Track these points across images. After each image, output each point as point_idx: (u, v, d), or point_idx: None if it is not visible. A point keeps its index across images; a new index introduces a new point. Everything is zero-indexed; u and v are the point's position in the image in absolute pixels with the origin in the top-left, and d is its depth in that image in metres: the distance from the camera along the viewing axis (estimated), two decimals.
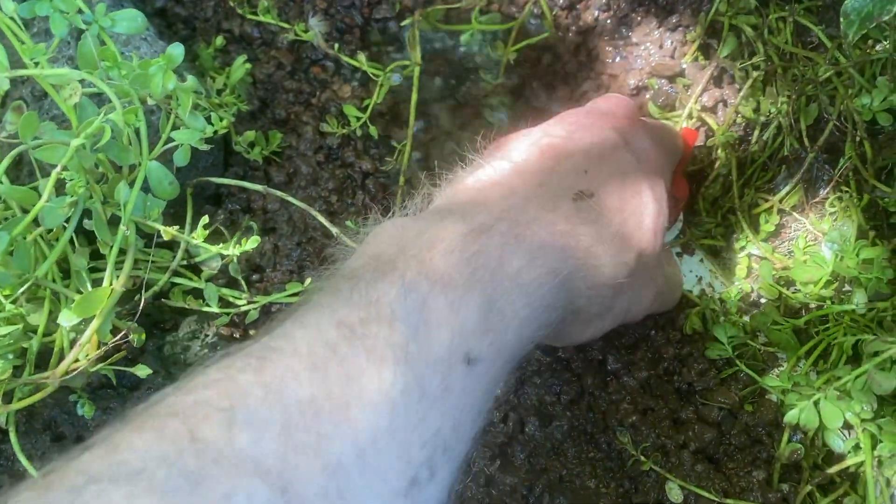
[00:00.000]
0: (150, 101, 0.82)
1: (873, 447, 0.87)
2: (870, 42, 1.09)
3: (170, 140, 0.85)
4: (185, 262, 1.02)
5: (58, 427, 0.91)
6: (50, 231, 0.82)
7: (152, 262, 0.95)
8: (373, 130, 1.19)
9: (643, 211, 0.81)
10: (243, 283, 1.02)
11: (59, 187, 0.78)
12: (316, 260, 1.10)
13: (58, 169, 0.73)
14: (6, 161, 0.74)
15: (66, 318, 0.77)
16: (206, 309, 1.00)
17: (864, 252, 0.92)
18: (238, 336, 1.04)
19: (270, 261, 1.09)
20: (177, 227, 0.87)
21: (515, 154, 0.84)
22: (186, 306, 1.01)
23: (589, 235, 0.75)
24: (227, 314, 1.01)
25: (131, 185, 0.81)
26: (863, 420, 0.87)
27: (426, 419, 0.57)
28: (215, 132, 0.88)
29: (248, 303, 1.02)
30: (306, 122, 1.19)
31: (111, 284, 0.79)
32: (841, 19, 0.78)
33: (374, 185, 1.17)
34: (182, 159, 0.87)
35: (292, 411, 0.51)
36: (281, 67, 1.23)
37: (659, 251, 0.86)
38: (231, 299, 1.02)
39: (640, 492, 0.96)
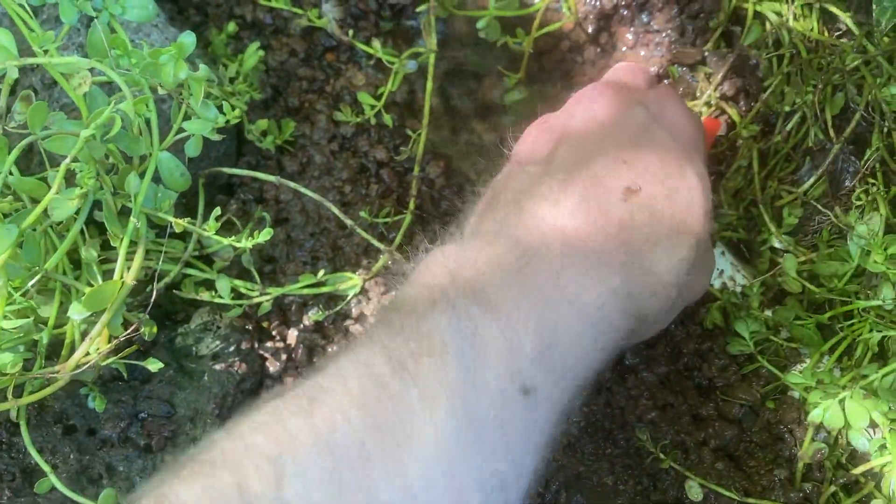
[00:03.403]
0: (160, 91, 0.80)
1: None
2: None
3: (181, 130, 0.83)
4: (196, 253, 1.00)
5: (69, 419, 0.90)
6: (59, 223, 0.81)
7: (164, 252, 0.93)
8: (387, 119, 1.17)
9: (692, 195, 0.74)
10: (256, 274, 1.01)
11: (69, 178, 0.76)
12: (330, 251, 1.08)
13: (67, 160, 0.71)
14: (15, 152, 0.72)
15: (77, 312, 0.76)
16: (218, 300, 0.99)
17: (893, 247, 0.90)
18: (251, 328, 1.02)
19: (283, 251, 1.08)
20: (188, 218, 0.86)
21: (543, 151, 0.80)
22: (198, 297, 0.99)
23: (646, 240, 0.69)
24: (240, 306, 1.00)
25: (142, 176, 0.79)
26: (890, 420, 0.84)
27: (481, 458, 0.54)
28: (227, 122, 0.86)
29: (261, 294, 1.00)
30: (320, 110, 1.17)
31: (122, 277, 0.78)
32: (874, 6, 0.75)
33: (389, 175, 1.15)
34: (194, 150, 0.85)
35: (342, 457, 0.49)
36: (294, 54, 1.21)
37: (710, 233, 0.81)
38: (244, 290, 1.00)
39: (658, 489, 0.94)
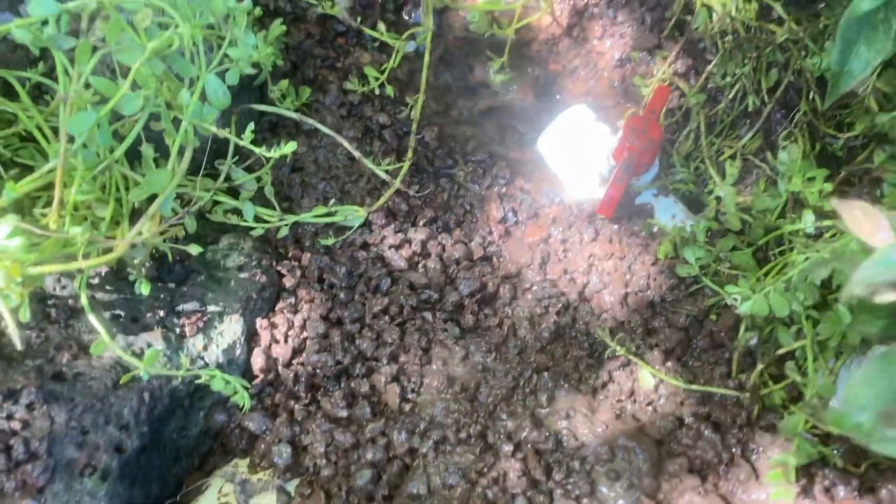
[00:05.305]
0: (210, 20, 0.99)
1: (814, 332, 1.02)
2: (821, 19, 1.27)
3: (222, 63, 1.02)
4: (225, 187, 1.17)
5: (115, 309, 1.06)
6: (122, 129, 0.99)
7: (198, 181, 1.10)
8: (389, 90, 1.36)
9: None
10: (276, 202, 1.18)
11: (133, 87, 0.94)
12: (339, 192, 1.25)
13: (136, 65, 0.89)
14: (96, 57, 0.90)
15: (136, 195, 0.93)
16: (243, 223, 1.16)
17: (809, 171, 1.08)
18: (270, 251, 1.19)
19: (298, 192, 1.25)
20: (219, 159, 1.03)
21: None
22: (227, 221, 1.16)
23: None
24: (262, 228, 1.17)
25: (192, 94, 0.97)
26: (806, 307, 1.01)
27: None
28: (258, 69, 1.04)
29: (280, 220, 1.17)
30: (332, 81, 1.36)
31: (174, 169, 0.95)
32: None
33: (390, 135, 1.33)
34: (233, 78, 1.03)
35: None
36: (310, 37, 1.40)
37: None
38: (265, 217, 1.17)
39: (615, 382, 1.10)
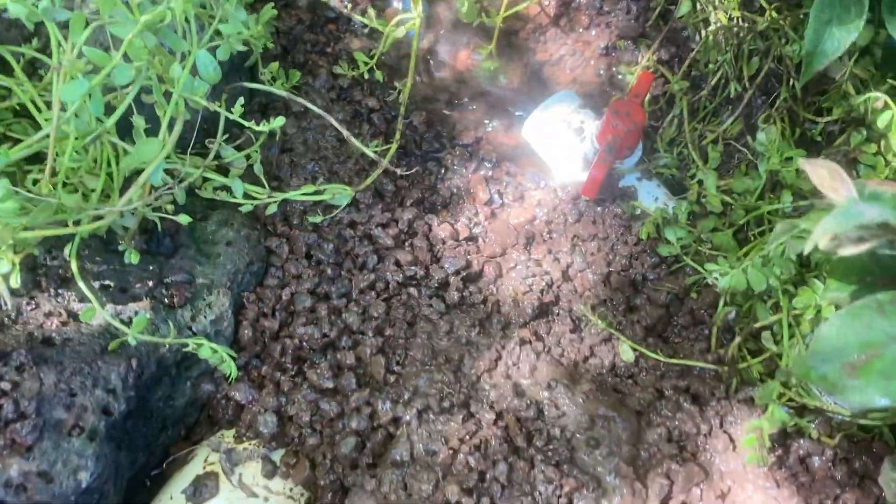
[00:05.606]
0: None
1: (790, 306, 1.04)
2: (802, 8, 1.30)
3: (213, 39, 1.04)
4: (214, 164, 1.19)
5: (105, 279, 1.07)
6: (114, 101, 1.01)
7: (189, 159, 1.12)
8: (378, 75, 1.38)
9: None
10: (265, 181, 1.20)
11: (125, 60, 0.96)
12: (327, 173, 1.28)
13: (129, 36, 0.91)
14: (88, 29, 0.92)
15: (127, 162, 0.95)
16: (232, 200, 1.18)
17: (787, 152, 1.10)
18: (259, 227, 1.21)
19: (287, 172, 1.27)
20: (209, 138, 1.05)
21: None
22: (216, 198, 1.18)
23: None
24: (251, 204, 1.18)
25: (183, 68, 0.99)
26: (783, 282, 1.03)
27: None
28: (249, 48, 1.07)
29: (269, 197, 1.19)
30: (321, 65, 1.38)
31: (164, 139, 0.97)
32: None
33: (379, 119, 1.35)
34: (224, 54, 1.05)
35: None
36: (301, 22, 1.43)
37: None
38: (254, 194, 1.19)
39: (597, 356, 1.12)
